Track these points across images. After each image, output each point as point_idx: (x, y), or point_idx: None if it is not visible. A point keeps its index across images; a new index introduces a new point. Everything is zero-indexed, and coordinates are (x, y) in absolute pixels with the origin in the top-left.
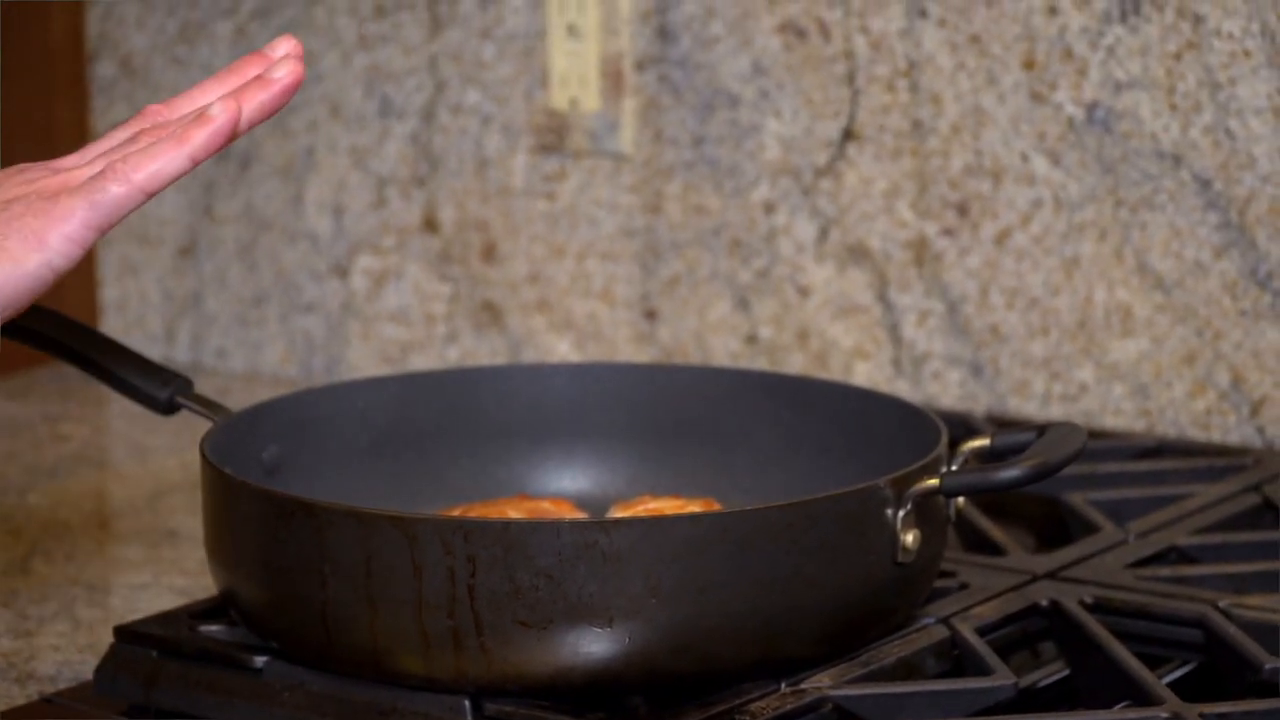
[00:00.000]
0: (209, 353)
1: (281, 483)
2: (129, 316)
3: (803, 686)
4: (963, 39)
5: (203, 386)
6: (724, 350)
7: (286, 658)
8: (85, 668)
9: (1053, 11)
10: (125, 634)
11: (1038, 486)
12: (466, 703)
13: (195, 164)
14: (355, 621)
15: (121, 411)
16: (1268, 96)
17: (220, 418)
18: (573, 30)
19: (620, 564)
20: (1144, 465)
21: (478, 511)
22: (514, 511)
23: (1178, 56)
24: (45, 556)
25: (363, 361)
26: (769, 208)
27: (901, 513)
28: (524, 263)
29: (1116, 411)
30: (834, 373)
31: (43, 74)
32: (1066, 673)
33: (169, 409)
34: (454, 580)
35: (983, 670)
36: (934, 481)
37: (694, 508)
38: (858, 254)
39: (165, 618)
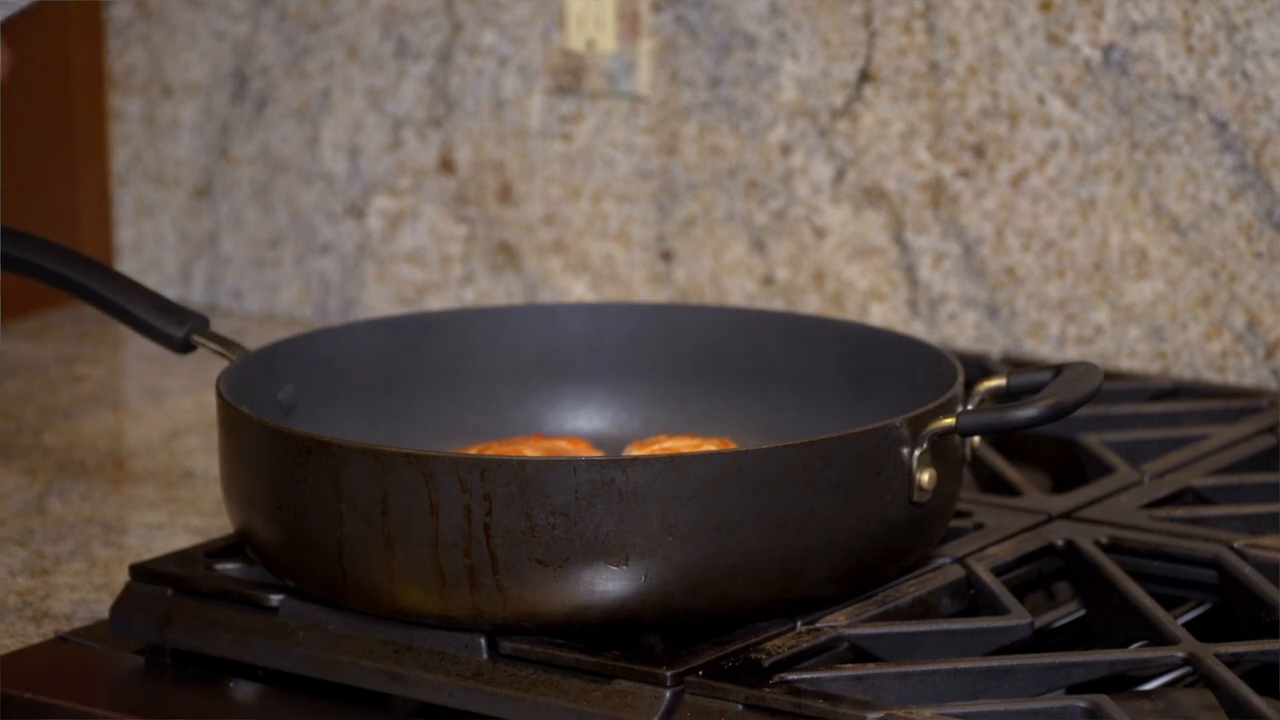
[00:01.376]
0: (225, 294)
1: (297, 422)
2: (144, 258)
3: (818, 625)
4: None
5: (218, 328)
6: (740, 291)
7: (302, 596)
8: (101, 606)
9: None
10: (141, 573)
11: (1053, 427)
12: (482, 641)
13: None
14: (371, 560)
15: (137, 352)
16: None
17: (236, 356)
18: None
19: (637, 502)
20: (1159, 407)
21: (494, 450)
22: (530, 450)
23: None
24: (61, 496)
25: (378, 303)
26: (785, 149)
27: (917, 452)
28: (540, 204)
29: (1132, 353)
30: (850, 314)
31: (58, 16)
32: (1082, 613)
33: (185, 347)
34: (470, 518)
35: (998, 610)
36: (950, 421)
37: (709, 447)
38: (874, 195)
39: (181, 556)
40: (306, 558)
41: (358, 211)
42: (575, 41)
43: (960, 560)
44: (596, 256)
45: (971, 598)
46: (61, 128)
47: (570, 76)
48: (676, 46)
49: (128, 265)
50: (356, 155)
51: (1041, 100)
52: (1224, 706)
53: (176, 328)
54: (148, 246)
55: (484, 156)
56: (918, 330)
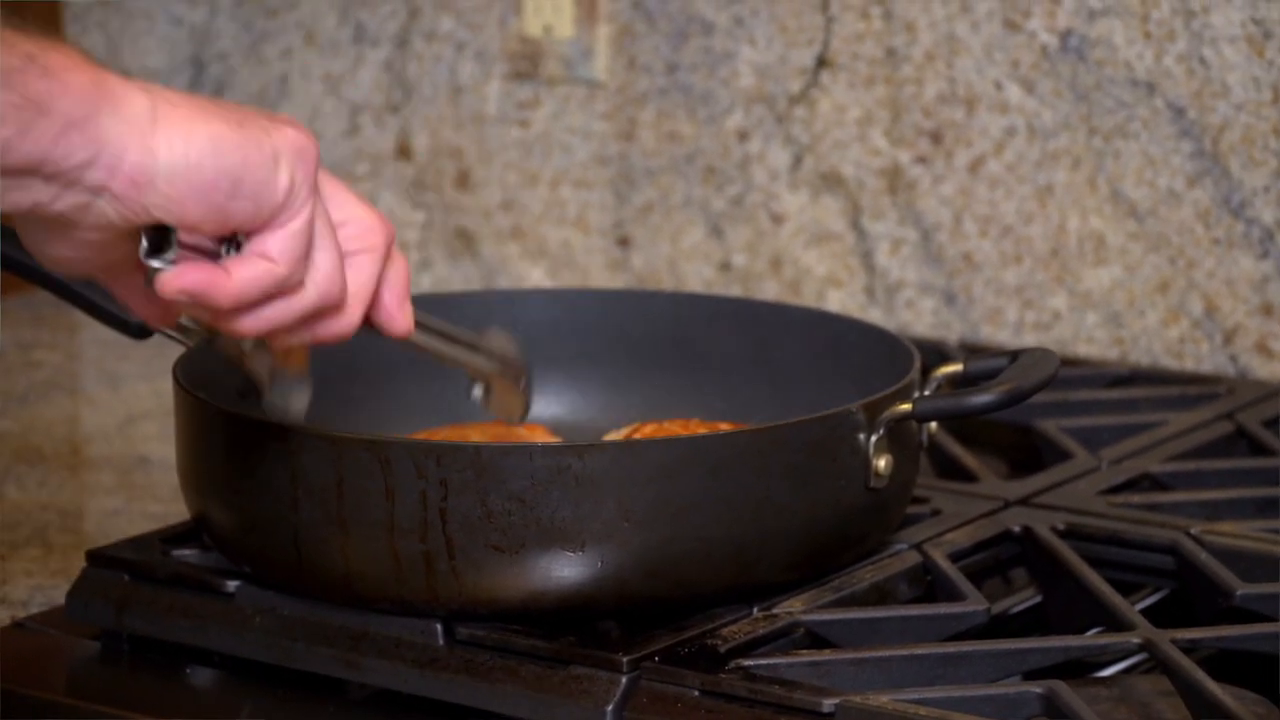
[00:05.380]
0: None
1: (254, 407)
2: None
3: (775, 611)
4: None
5: None
6: (697, 277)
7: (258, 582)
8: (57, 592)
9: None
10: (97, 558)
11: (1011, 413)
12: (438, 626)
13: None
14: (327, 545)
15: (94, 338)
16: (1241, 25)
17: (193, 342)
18: None
19: (593, 488)
20: (1117, 393)
21: (445, 435)
22: (477, 435)
23: None
24: (18, 482)
25: None
26: (743, 135)
27: (874, 438)
28: (498, 190)
29: (1089, 339)
30: (807, 300)
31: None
32: (1039, 599)
33: (142, 333)
34: (426, 504)
35: (955, 596)
36: (906, 406)
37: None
38: (831, 182)
39: (137, 542)
40: (262, 543)
41: None
42: (532, 27)
43: (917, 546)
44: (554, 242)
45: (928, 584)
46: None
47: (527, 62)
48: (634, 32)
49: None
50: None
51: (999, 86)
52: (1180, 693)
53: (133, 313)
54: None
55: (441, 142)
56: (875, 316)
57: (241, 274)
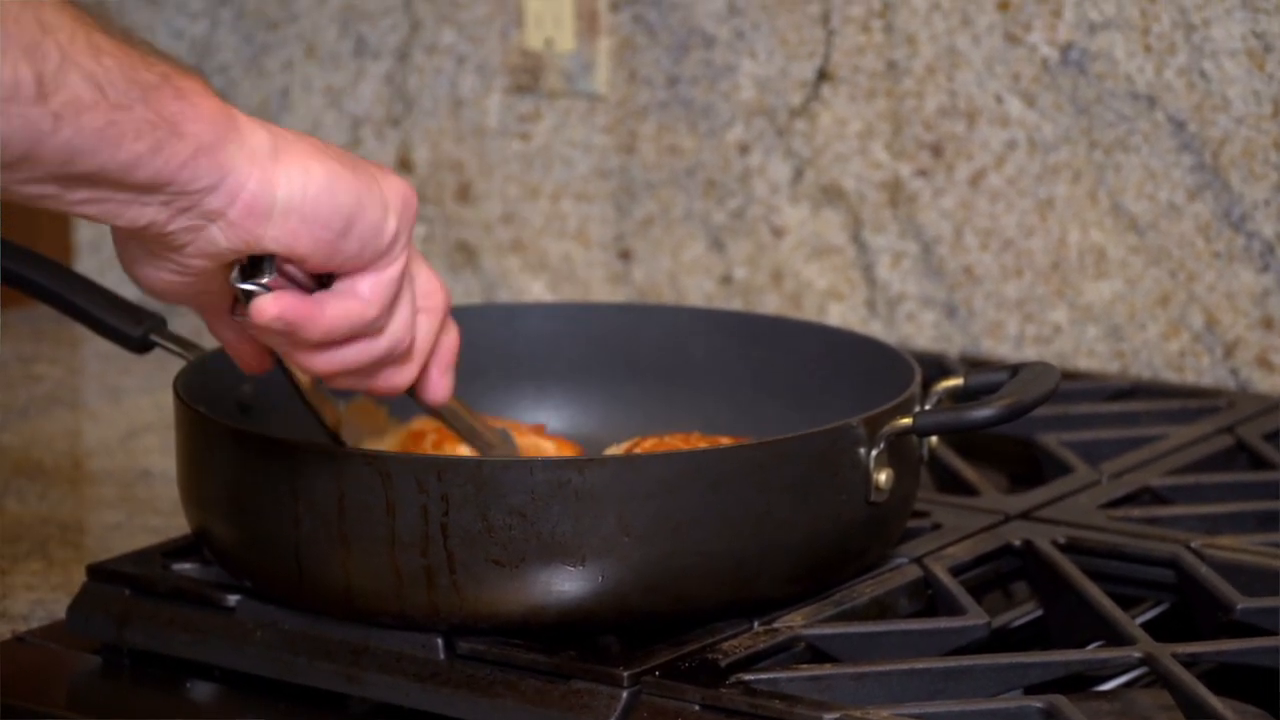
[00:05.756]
0: None
1: (255, 421)
2: (103, 256)
3: (775, 626)
4: None
5: (176, 327)
6: (698, 291)
7: (259, 596)
8: (58, 606)
9: None
10: (98, 573)
11: (1011, 427)
12: (439, 641)
13: None
14: (328, 560)
15: (95, 352)
16: (1242, 38)
17: (194, 356)
18: None
19: (593, 502)
20: (1117, 406)
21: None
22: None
23: None
24: (18, 496)
25: None
26: (744, 148)
27: (874, 452)
28: (498, 203)
29: (1090, 353)
30: (808, 314)
31: None
32: (1039, 613)
33: (142, 347)
34: (427, 518)
35: (956, 610)
36: (907, 421)
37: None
38: (832, 195)
39: (138, 556)
40: (263, 558)
41: None
42: (533, 40)
43: (918, 560)
44: (555, 256)
45: (929, 598)
46: None
47: (528, 75)
48: (635, 45)
49: (86, 264)
50: None
51: (999, 99)
52: (1181, 707)
53: (134, 327)
54: (106, 245)
55: (442, 155)
56: (876, 330)
57: (334, 309)
